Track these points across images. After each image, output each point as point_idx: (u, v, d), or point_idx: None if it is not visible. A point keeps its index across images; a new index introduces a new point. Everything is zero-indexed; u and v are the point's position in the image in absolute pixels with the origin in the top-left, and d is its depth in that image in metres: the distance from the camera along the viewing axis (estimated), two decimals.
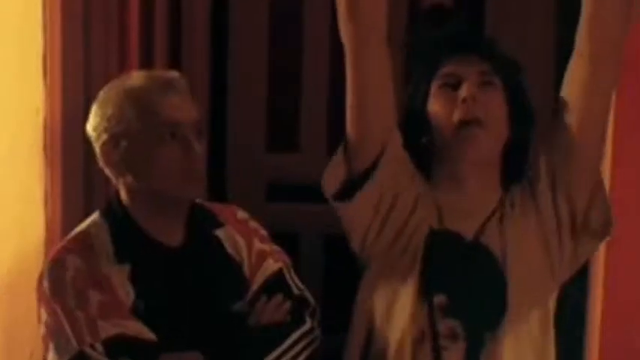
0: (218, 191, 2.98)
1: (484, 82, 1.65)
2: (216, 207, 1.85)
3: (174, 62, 2.58)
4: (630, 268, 2.37)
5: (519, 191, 1.69)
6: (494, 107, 1.65)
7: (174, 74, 1.73)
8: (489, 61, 1.68)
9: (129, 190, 1.69)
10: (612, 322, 2.39)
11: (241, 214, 1.86)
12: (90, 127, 1.69)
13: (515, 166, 1.71)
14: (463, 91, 1.62)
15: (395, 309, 1.62)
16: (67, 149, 2.15)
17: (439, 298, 1.58)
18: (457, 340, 1.58)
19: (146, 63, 2.32)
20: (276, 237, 1.86)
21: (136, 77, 1.72)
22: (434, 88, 1.68)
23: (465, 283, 1.61)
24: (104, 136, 1.66)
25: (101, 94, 1.70)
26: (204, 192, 1.76)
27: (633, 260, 2.36)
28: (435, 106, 1.67)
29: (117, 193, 1.72)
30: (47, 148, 2.15)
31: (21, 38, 2.07)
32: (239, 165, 2.99)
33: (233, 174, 3.00)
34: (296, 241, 2.91)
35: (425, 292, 1.58)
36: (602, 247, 2.14)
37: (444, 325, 1.57)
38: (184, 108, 1.67)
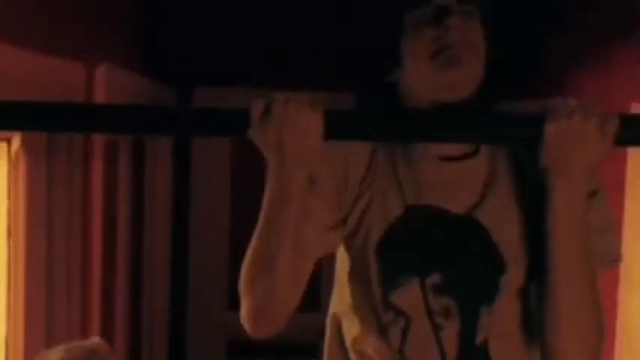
0: (179, 348, 2.98)
1: (464, 11, 1.37)
2: None
3: (137, 231, 2.62)
4: None
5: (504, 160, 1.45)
6: (474, 35, 1.38)
7: (94, 341, 1.74)
8: None
9: None
10: None
11: None
12: None
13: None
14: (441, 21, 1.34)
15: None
16: None
17: (432, 278, 1.41)
18: (450, 317, 1.46)
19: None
20: None
21: (54, 352, 1.69)
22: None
23: (457, 260, 1.42)
24: None
25: None
26: None
27: None
28: (408, 44, 1.38)
29: None
30: None
31: None
32: (200, 322, 3.01)
33: (194, 331, 3.01)
34: None
35: (417, 270, 1.40)
36: None
37: (438, 303, 1.41)
38: None
